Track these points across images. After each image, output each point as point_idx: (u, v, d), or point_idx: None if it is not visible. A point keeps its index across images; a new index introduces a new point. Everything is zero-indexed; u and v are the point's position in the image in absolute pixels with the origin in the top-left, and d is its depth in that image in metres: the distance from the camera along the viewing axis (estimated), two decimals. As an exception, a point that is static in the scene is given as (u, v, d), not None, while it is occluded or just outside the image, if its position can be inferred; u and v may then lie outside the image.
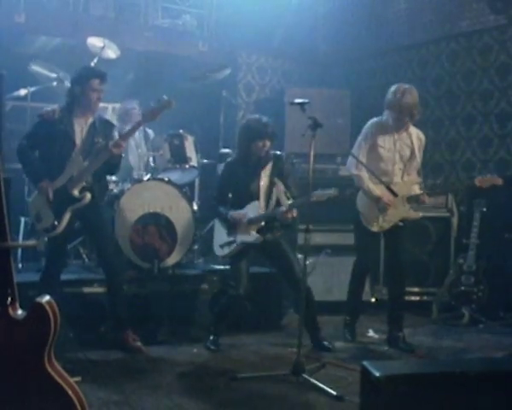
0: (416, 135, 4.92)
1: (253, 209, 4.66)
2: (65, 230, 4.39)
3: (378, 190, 4.71)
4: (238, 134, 4.82)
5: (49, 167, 4.44)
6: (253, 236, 4.64)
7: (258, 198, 4.69)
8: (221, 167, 5.81)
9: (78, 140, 4.42)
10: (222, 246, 4.76)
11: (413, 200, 4.76)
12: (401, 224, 4.79)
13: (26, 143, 4.47)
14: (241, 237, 4.65)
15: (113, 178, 5.29)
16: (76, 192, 4.35)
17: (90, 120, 4.48)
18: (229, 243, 4.71)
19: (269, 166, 4.73)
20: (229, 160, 4.94)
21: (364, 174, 4.75)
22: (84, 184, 4.38)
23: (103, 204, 4.65)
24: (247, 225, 4.63)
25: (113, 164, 4.47)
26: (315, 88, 7.40)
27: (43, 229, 4.46)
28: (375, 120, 4.98)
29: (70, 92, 4.51)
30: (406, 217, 4.80)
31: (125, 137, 4.44)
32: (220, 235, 4.80)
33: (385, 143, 4.84)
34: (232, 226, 4.68)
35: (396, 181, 4.78)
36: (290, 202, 4.49)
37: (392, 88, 4.82)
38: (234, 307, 4.77)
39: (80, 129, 4.44)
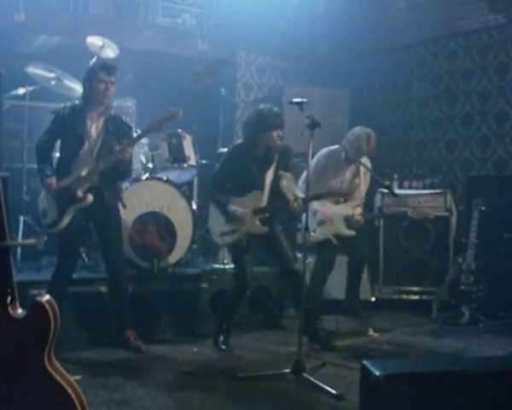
0: (363, 161, 5.33)
1: (256, 199, 4.58)
2: (73, 229, 4.37)
3: (319, 206, 5.19)
4: (249, 123, 4.65)
5: (61, 165, 4.46)
6: (259, 227, 4.56)
7: (262, 189, 4.61)
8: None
9: (88, 139, 4.39)
10: (223, 234, 4.64)
11: (349, 219, 5.30)
12: (332, 238, 5.27)
13: (42, 140, 4.50)
14: (246, 228, 4.57)
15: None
16: (80, 192, 4.33)
17: (104, 118, 4.45)
18: (231, 232, 4.59)
19: (275, 158, 4.66)
20: (233, 148, 4.75)
21: None
22: (89, 185, 4.36)
23: (115, 206, 4.55)
24: (251, 216, 4.57)
25: (121, 170, 4.41)
26: (313, 87, 7.41)
27: (46, 225, 4.49)
28: (326, 151, 5.37)
29: (83, 92, 4.53)
30: (340, 233, 5.31)
31: (131, 143, 4.39)
32: (218, 222, 4.65)
33: (333, 173, 5.32)
34: (232, 216, 4.59)
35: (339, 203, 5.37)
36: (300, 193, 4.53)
37: (357, 132, 5.27)
38: (241, 297, 4.76)
39: (92, 127, 4.41)
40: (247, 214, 4.54)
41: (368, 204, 5.98)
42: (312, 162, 5.03)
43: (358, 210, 5.45)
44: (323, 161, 5.29)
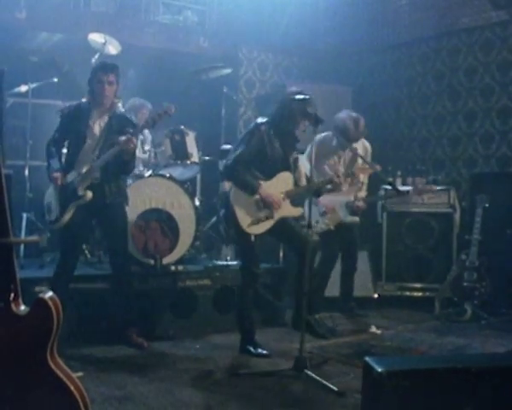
0: (361, 145, 5.28)
1: (285, 181, 4.35)
2: (74, 226, 4.38)
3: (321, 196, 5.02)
4: (289, 105, 4.27)
5: (66, 162, 4.50)
6: (294, 210, 4.34)
7: (290, 170, 4.39)
8: (223, 154, 5.60)
9: (90, 137, 4.41)
10: (255, 222, 4.29)
11: (351, 206, 5.22)
12: (332, 228, 5.11)
13: (51, 139, 4.55)
14: (280, 212, 4.29)
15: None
16: (80, 189, 4.35)
17: (108, 116, 4.46)
18: (266, 218, 4.29)
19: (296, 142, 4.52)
20: (260, 125, 4.36)
21: None
22: (90, 182, 4.36)
23: (119, 203, 4.54)
24: (285, 199, 4.33)
25: (125, 161, 4.39)
26: (316, 84, 7.39)
27: (49, 221, 4.52)
28: (315, 140, 5.00)
29: (88, 91, 4.54)
30: (344, 222, 5.20)
31: (135, 133, 4.38)
32: (246, 207, 4.28)
33: (327, 160, 5.24)
34: (261, 200, 4.28)
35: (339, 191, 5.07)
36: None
37: (342, 119, 5.10)
38: (250, 293, 4.54)
39: (95, 126, 4.43)
40: (278, 197, 4.27)
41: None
42: (305, 154, 5.01)
43: (363, 193, 5.33)
44: (314, 149, 5.17)
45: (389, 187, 5.49)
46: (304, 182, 4.55)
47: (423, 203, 6.28)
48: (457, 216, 6.29)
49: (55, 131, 4.57)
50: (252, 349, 4.39)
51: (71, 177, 4.39)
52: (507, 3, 6.40)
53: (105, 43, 5.87)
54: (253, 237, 4.31)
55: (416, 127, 7.26)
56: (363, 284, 5.90)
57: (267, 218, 4.31)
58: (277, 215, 4.32)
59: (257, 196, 4.27)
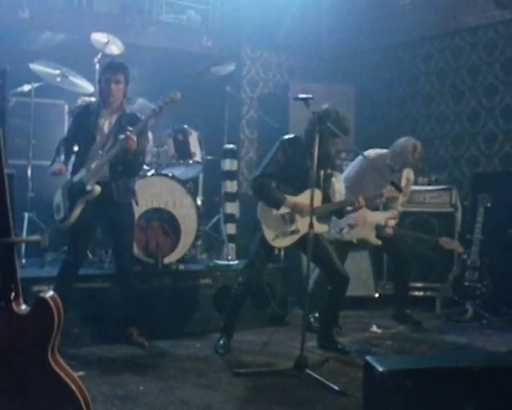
0: (405, 174, 5.41)
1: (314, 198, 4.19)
2: (82, 224, 4.37)
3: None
4: (317, 126, 4.08)
5: (76, 160, 4.49)
6: (320, 227, 4.29)
7: (319, 187, 4.32)
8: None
9: (100, 135, 4.41)
10: (280, 235, 4.31)
11: (380, 229, 5.27)
12: (355, 241, 5.24)
13: (63, 138, 4.56)
14: (306, 227, 4.07)
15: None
16: (89, 185, 4.33)
17: (117, 115, 4.45)
18: (291, 233, 4.31)
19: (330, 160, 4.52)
20: (288, 140, 4.38)
21: None
22: (98, 178, 4.35)
23: (126, 202, 4.53)
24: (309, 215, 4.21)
25: (129, 161, 4.36)
26: (319, 83, 7.39)
27: (58, 220, 4.49)
28: (371, 156, 5.24)
29: (98, 91, 4.59)
30: (368, 240, 5.26)
31: (135, 131, 4.29)
32: (272, 221, 4.30)
33: (373, 180, 5.16)
34: (289, 214, 4.30)
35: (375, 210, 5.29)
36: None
37: (403, 144, 5.24)
38: (244, 301, 4.57)
39: (105, 124, 4.43)
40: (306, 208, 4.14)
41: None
42: (354, 164, 5.23)
43: (392, 222, 5.33)
44: (366, 163, 5.17)
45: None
46: (337, 199, 4.56)
47: (425, 203, 6.28)
48: (459, 215, 6.28)
49: (67, 131, 4.58)
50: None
51: (80, 174, 4.38)
52: (510, 2, 6.39)
53: (108, 42, 5.87)
54: (276, 251, 4.39)
55: (419, 126, 7.25)
56: (365, 284, 5.90)
57: (292, 232, 4.33)
58: (303, 230, 4.27)
59: (283, 210, 4.29)
